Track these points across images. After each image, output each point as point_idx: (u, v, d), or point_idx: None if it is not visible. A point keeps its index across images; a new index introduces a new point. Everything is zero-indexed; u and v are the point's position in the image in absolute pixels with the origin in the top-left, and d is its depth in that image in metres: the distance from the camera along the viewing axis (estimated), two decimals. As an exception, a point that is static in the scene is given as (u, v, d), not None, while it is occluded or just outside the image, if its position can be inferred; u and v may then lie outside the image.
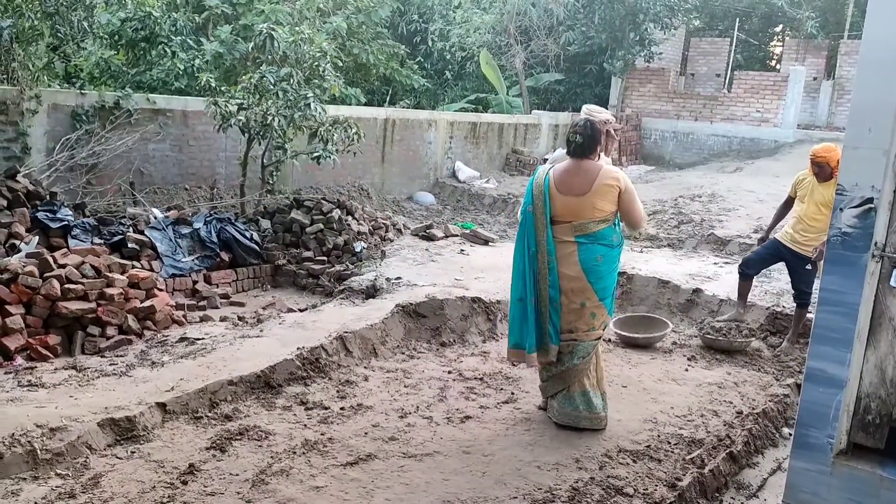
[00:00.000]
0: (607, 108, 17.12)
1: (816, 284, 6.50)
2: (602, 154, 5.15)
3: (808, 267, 5.67)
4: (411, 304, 5.63)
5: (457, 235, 8.51)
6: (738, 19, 18.97)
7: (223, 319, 5.98)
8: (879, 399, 3.12)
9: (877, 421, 3.13)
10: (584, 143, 4.15)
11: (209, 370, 4.34)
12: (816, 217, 5.61)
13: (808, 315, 5.84)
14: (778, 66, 19.17)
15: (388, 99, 16.17)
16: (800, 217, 5.76)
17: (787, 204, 6.03)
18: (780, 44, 20.69)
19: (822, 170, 5.56)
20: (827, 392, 3.13)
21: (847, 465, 3.12)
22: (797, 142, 14.18)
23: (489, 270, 7.08)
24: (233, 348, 4.74)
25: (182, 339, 5.05)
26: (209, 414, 3.99)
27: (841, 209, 3.02)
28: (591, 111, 5.21)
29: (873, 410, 3.14)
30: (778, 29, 21.30)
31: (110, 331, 5.29)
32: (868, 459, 3.14)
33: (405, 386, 4.66)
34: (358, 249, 7.91)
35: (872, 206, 2.96)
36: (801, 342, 5.76)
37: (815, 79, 17.01)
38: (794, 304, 5.93)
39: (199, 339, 5.01)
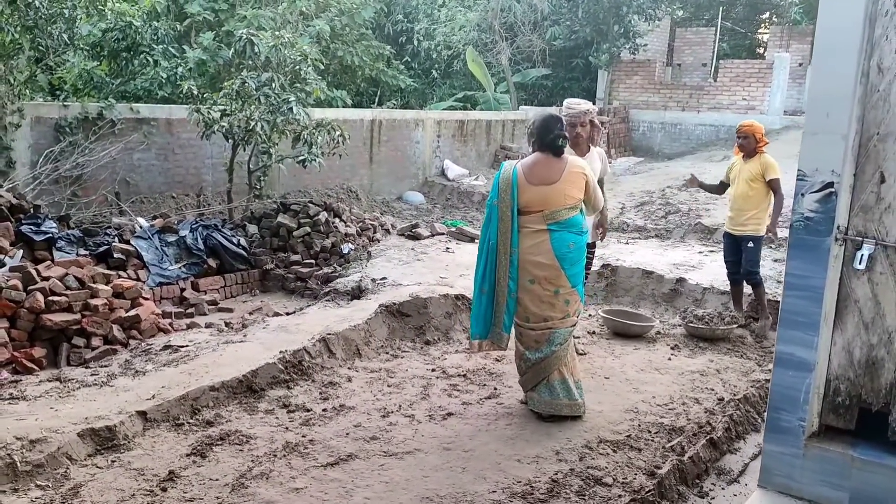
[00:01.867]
0: (595, 102, 17.23)
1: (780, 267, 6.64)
2: (591, 144, 5.22)
3: (751, 245, 5.82)
4: (395, 303, 5.65)
5: (443, 234, 8.54)
6: (722, 8, 19.00)
7: (209, 326, 6.00)
8: (848, 381, 3.15)
9: (846, 402, 3.16)
10: (566, 141, 4.29)
11: (191, 377, 4.36)
12: (748, 194, 5.83)
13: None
14: (765, 54, 19.20)
15: (376, 100, 16.18)
16: (734, 197, 5.99)
17: (721, 186, 6.24)
18: (766, 31, 20.71)
19: (748, 142, 5.80)
20: (797, 375, 3.16)
21: (819, 446, 3.16)
22: (784, 128, 14.22)
23: (474, 267, 7.09)
24: (216, 354, 4.76)
25: (166, 347, 5.07)
26: (190, 420, 4.01)
27: (802, 194, 3.05)
28: (570, 104, 5.28)
29: (843, 392, 3.17)
30: (764, 16, 21.32)
31: (95, 341, 5.32)
32: (839, 441, 3.17)
33: (388, 385, 4.69)
34: (345, 251, 7.94)
35: (833, 189, 2.99)
36: (752, 321, 6.02)
37: (800, 65, 17.04)
38: (751, 287, 6.06)
39: (182, 347, 5.03)
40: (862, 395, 3.12)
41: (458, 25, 16.12)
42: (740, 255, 5.98)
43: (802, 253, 3.09)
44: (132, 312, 5.66)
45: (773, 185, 5.75)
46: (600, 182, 5.30)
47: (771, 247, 7.90)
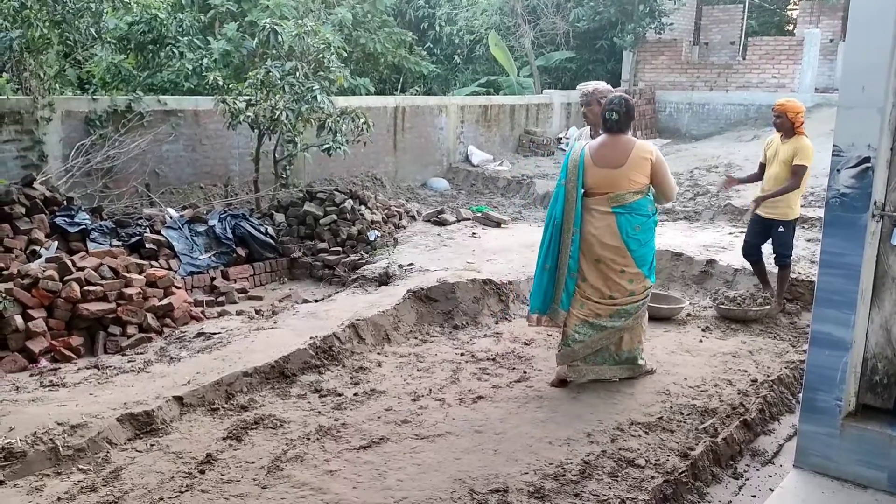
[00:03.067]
0: (620, 84, 17.04)
1: (814, 247, 6.50)
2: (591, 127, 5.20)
3: (781, 229, 5.68)
4: (423, 289, 5.67)
5: (469, 219, 8.53)
6: (750, -16, 18.59)
7: (239, 313, 6.07)
8: (886, 359, 3.10)
9: (884, 381, 3.12)
10: (619, 120, 4.39)
11: (224, 363, 4.43)
12: (782, 176, 5.63)
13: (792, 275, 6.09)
14: (795, 31, 18.78)
15: (399, 87, 16.17)
16: (767, 178, 5.80)
17: (761, 168, 6.00)
18: (796, 7, 20.24)
19: (781, 121, 5.63)
20: (833, 355, 3.12)
21: (856, 426, 3.12)
22: (815, 106, 13.91)
23: (501, 252, 7.10)
24: (247, 341, 4.83)
25: (199, 335, 5.15)
26: (225, 405, 4.08)
27: (838, 170, 3.00)
28: (580, 86, 5.29)
29: (880, 371, 3.12)
30: (793, -9, 20.84)
31: (131, 329, 5.42)
32: (877, 420, 3.13)
33: (418, 370, 4.71)
34: (372, 238, 7.97)
35: (870, 165, 2.93)
36: (785, 302, 5.93)
37: (831, 41, 16.64)
38: (777, 266, 5.94)
39: (215, 334, 5.10)
40: (901, 373, 3.07)
41: (481, 9, 16.01)
42: (763, 238, 5.87)
43: (838, 230, 3.04)
44: (165, 301, 5.75)
45: (795, 170, 5.55)
46: None
47: (804, 227, 7.77)
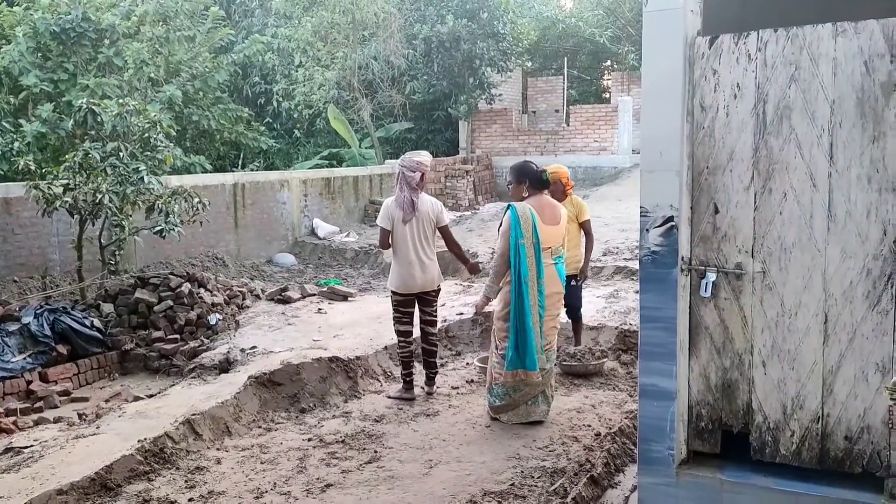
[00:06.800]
0: (458, 151, 17.73)
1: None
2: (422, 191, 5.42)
3: (574, 283, 5.96)
4: (265, 373, 5.37)
5: (314, 295, 8.31)
6: (567, 58, 20.24)
7: (57, 420, 5.45)
8: (709, 405, 3.27)
9: (709, 427, 3.28)
10: (548, 179, 5.02)
11: (35, 481, 3.90)
12: (572, 234, 5.89)
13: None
14: (610, 98, 20.55)
15: (239, 163, 15.80)
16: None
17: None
18: (609, 77, 22.22)
19: (556, 187, 5.77)
20: (661, 405, 3.25)
21: (690, 473, 3.24)
22: (634, 166, 15.16)
23: (348, 327, 6.95)
24: (64, 452, 4.30)
25: (6, 451, 4.53)
26: (34, 533, 3.57)
27: (647, 230, 3.19)
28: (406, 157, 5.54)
29: (705, 417, 3.28)
30: (606, 64, 22.88)
31: (-81, 454, 4.68)
32: (708, 465, 3.27)
33: (261, 462, 4.40)
34: (213, 322, 7.54)
35: (674, 223, 3.14)
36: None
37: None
38: (571, 321, 6.20)
39: (26, 448, 4.51)
40: (722, 417, 3.24)
41: (317, 85, 16.10)
42: None
43: (653, 286, 3.21)
44: (-35, 416, 5.05)
45: (586, 227, 6.00)
46: (445, 230, 5.60)
47: (633, 278, 8.26)
